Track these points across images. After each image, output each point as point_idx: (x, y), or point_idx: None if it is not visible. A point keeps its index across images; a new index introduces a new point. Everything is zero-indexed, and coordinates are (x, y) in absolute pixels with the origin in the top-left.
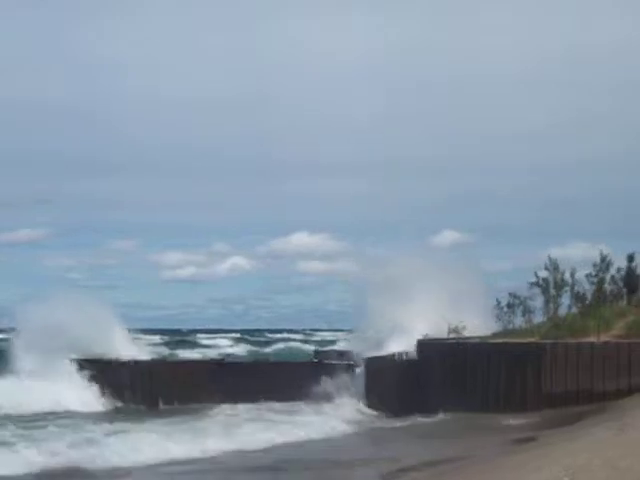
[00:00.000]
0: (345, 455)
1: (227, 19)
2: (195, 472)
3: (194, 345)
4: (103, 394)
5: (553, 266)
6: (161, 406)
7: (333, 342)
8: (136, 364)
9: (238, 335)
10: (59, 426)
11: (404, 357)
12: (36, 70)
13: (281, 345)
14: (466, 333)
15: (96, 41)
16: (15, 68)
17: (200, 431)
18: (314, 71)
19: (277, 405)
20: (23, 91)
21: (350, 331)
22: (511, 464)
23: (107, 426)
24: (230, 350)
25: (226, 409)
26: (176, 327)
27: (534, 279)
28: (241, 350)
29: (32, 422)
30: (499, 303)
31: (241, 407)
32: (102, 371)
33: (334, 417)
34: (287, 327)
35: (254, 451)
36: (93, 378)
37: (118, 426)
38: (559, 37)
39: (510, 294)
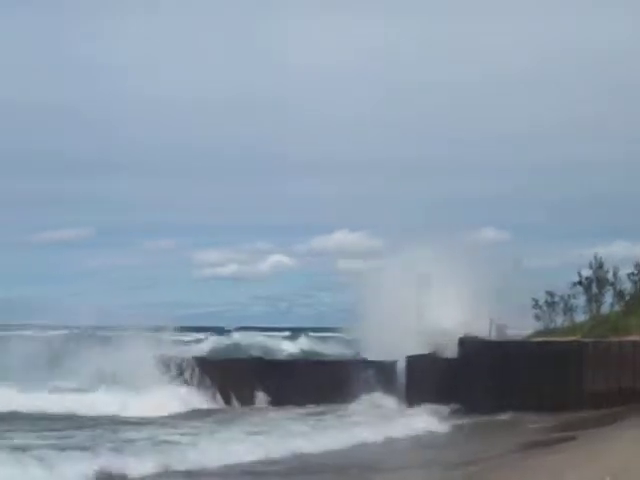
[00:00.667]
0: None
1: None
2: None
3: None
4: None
5: (598, 265)
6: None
7: None
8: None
9: (288, 333)
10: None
11: (445, 355)
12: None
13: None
14: (507, 332)
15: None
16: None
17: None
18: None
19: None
20: (59, 92)
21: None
22: (551, 463)
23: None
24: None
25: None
26: (220, 325)
27: (576, 278)
28: (302, 347)
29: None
30: (537, 302)
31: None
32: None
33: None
34: (329, 325)
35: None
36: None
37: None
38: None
39: (547, 292)
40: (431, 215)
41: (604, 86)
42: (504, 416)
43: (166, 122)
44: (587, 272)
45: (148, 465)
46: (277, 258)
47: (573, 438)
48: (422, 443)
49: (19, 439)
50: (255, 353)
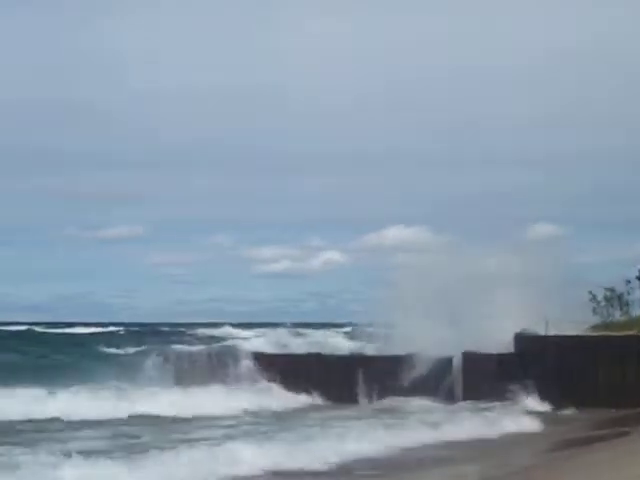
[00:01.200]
0: None
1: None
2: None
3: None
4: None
5: None
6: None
7: None
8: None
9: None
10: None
11: (501, 351)
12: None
13: None
14: (563, 327)
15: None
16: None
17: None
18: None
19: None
20: (93, 93)
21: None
22: (606, 458)
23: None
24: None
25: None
26: (273, 320)
27: (636, 273)
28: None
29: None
30: (594, 297)
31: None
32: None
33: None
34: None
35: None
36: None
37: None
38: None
39: (606, 289)
40: (487, 209)
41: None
42: (561, 412)
43: (206, 117)
44: None
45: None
46: (329, 255)
47: (628, 433)
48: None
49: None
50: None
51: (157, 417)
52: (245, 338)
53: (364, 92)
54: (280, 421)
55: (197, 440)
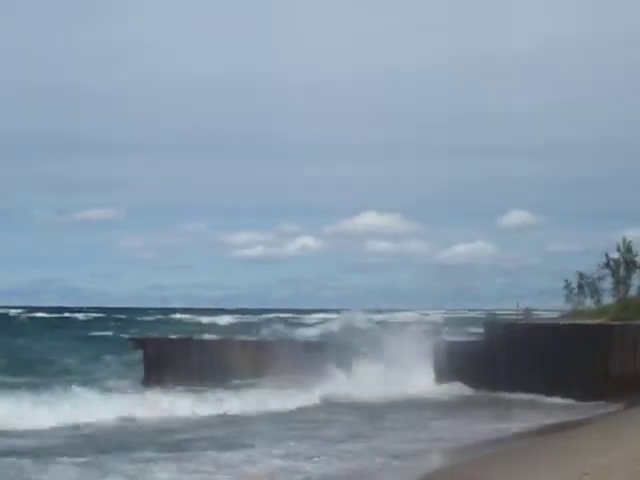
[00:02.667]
0: None
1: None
2: None
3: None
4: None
5: (626, 248)
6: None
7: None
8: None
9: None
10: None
11: (468, 338)
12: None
13: None
14: (534, 314)
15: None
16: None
17: None
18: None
19: None
20: (86, 78)
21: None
22: (575, 446)
23: None
24: None
25: None
26: (247, 306)
27: (605, 260)
28: None
29: None
30: (569, 284)
31: None
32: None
33: None
34: (356, 307)
35: None
36: None
37: None
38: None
39: (578, 273)
40: (460, 198)
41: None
42: (526, 397)
43: (190, 103)
44: (616, 255)
45: None
46: (304, 240)
47: (598, 421)
48: None
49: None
50: None
51: None
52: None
53: (355, 83)
54: None
55: None
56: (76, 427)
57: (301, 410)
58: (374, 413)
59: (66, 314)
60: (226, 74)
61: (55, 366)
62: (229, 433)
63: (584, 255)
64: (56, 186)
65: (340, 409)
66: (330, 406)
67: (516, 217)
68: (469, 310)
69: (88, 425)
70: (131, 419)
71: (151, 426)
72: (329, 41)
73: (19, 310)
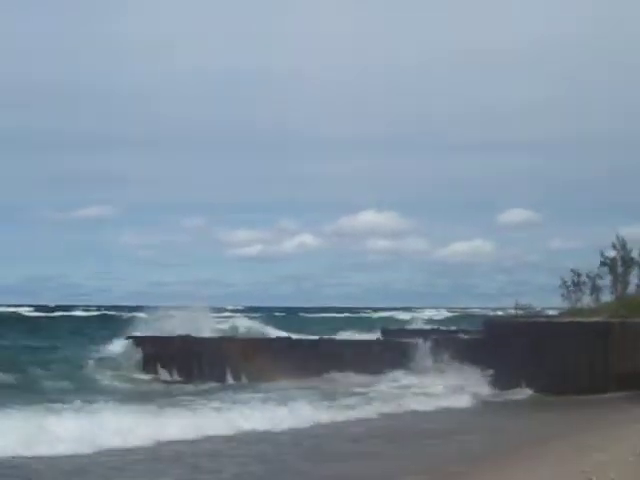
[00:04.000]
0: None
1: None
2: None
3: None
4: None
5: (621, 245)
6: None
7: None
8: None
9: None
10: None
11: (468, 335)
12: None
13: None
14: (532, 312)
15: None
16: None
17: None
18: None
19: None
20: (89, 76)
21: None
22: (577, 443)
23: None
24: None
25: None
26: (248, 304)
27: (601, 258)
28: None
29: None
30: (565, 282)
31: None
32: None
33: None
34: (355, 305)
35: None
36: None
37: None
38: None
39: (573, 271)
40: (460, 195)
41: None
42: (531, 396)
43: (189, 100)
44: (612, 253)
45: None
46: (303, 238)
47: (599, 419)
48: None
49: None
50: None
51: None
52: None
53: (360, 77)
54: None
55: None
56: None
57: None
58: None
59: (70, 312)
60: (223, 71)
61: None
62: None
63: (584, 252)
64: (55, 183)
65: None
66: None
67: (515, 214)
68: (467, 308)
69: None
70: None
71: None
72: (328, 37)
73: (27, 308)
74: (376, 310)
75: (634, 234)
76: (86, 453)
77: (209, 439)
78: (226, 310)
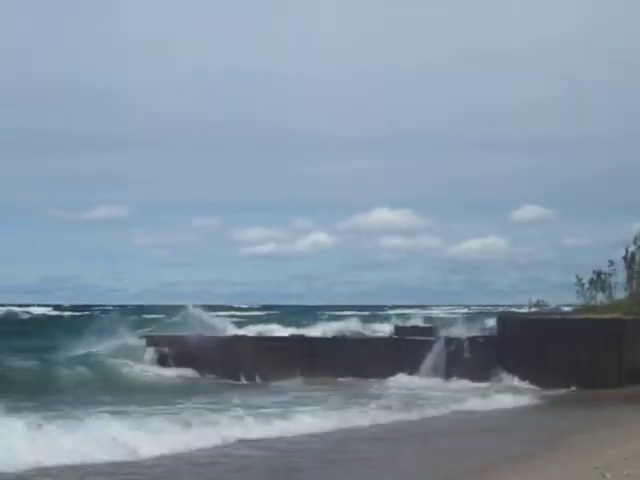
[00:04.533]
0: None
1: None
2: None
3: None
4: None
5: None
6: None
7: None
8: None
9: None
10: None
11: (484, 332)
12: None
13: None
14: (547, 309)
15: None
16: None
17: None
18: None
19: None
20: (100, 77)
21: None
22: (591, 440)
23: None
24: None
25: None
26: (262, 303)
27: (623, 254)
28: None
29: None
30: (580, 279)
31: None
32: None
33: None
34: (369, 303)
35: None
36: None
37: None
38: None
39: (594, 271)
40: (473, 193)
41: None
42: (544, 392)
43: (202, 100)
44: (632, 247)
45: None
46: (316, 236)
47: (613, 415)
48: None
49: None
50: None
51: None
52: None
53: (363, 77)
54: None
55: None
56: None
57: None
58: None
59: (86, 312)
60: (235, 70)
61: None
62: None
63: (598, 249)
64: (67, 184)
65: None
66: None
67: (529, 211)
68: (482, 305)
69: None
70: None
71: None
72: (328, 37)
73: (45, 308)
74: (391, 308)
75: None
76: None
77: None
78: (240, 309)
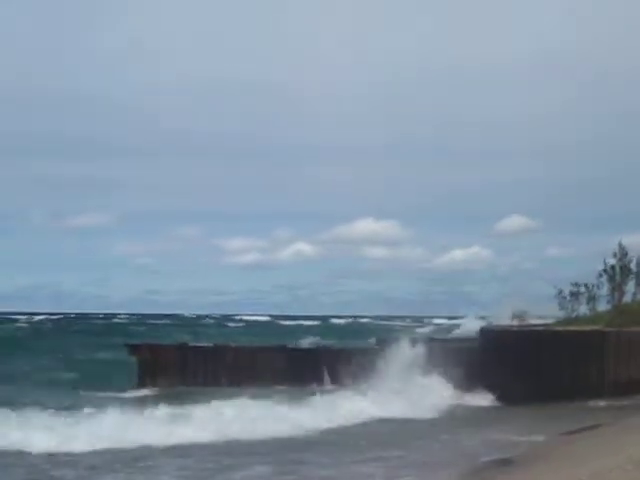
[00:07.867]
0: None
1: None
2: None
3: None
4: None
5: (621, 253)
6: None
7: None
8: None
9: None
10: None
11: (465, 344)
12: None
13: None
14: (529, 321)
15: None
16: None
17: None
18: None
19: None
20: (88, 83)
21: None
22: (573, 452)
23: None
24: None
25: None
26: (240, 312)
27: (602, 267)
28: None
29: None
30: (561, 292)
31: None
32: None
33: None
34: (353, 313)
35: None
36: None
37: None
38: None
39: (572, 284)
40: (457, 203)
41: None
42: (526, 405)
43: (186, 107)
44: (612, 261)
45: None
46: (299, 246)
47: (595, 427)
48: None
49: None
50: None
51: None
52: None
53: (349, 89)
54: None
55: None
56: None
57: None
58: None
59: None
60: (223, 78)
61: None
62: None
63: (581, 260)
64: (51, 190)
65: None
66: None
67: (513, 222)
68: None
69: None
70: None
71: None
72: (329, 46)
73: (42, 317)
74: (374, 319)
75: (631, 244)
76: None
77: None
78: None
